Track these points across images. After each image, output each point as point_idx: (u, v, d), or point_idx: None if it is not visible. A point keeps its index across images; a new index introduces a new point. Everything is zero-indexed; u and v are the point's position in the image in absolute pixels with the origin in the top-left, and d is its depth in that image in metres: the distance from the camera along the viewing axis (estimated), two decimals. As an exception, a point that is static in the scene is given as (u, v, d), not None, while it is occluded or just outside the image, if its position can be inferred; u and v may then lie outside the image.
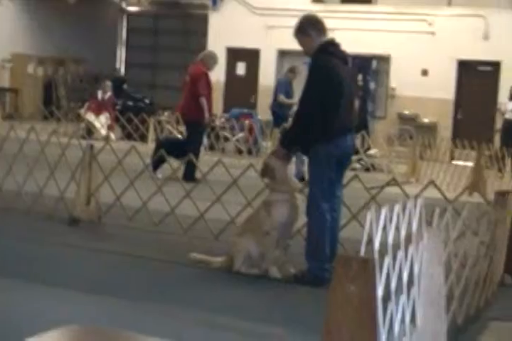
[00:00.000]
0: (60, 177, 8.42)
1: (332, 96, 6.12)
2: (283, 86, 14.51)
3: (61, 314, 4.85)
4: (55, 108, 19.47)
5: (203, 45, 21.76)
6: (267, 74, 21.71)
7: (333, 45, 6.44)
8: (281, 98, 14.31)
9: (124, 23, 28.05)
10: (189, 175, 10.97)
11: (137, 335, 2.48)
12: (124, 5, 27.73)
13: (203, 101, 11.71)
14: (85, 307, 5.18)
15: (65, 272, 6.13)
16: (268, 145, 16.16)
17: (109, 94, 19.41)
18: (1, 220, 7.96)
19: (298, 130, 6.28)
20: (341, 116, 6.21)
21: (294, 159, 10.43)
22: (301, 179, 11.40)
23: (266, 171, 6.45)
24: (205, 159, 13.25)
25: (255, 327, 5.01)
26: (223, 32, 21.97)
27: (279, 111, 14.61)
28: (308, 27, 6.42)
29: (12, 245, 6.86)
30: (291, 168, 8.07)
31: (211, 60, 12.07)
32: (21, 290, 5.47)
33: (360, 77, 19.96)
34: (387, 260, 3.13)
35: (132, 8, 27.82)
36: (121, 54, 27.81)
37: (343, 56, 6.43)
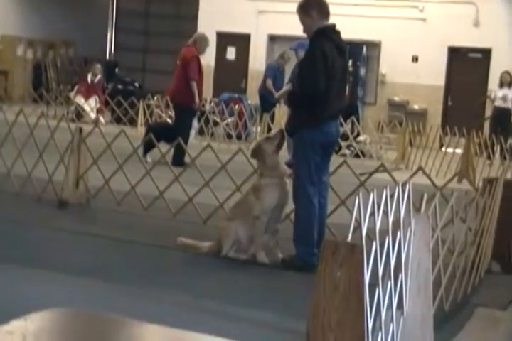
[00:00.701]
0: (48, 160, 8.39)
1: (323, 80, 6.10)
2: (272, 71, 14.49)
3: (47, 297, 4.85)
4: (45, 91, 19.38)
5: (193, 29, 21.65)
6: (258, 59, 21.64)
7: (333, 31, 6.41)
8: (269, 83, 14.31)
9: (115, 6, 27.89)
10: (178, 159, 10.96)
11: (124, 319, 2.48)
12: (114, -12, 27.56)
13: (194, 85, 11.68)
14: (72, 290, 5.18)
15: (52, 255, 6.12)
16: (258, 130, 16.15)
17: (98, 77, 19.32)
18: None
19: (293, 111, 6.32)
20: (330, 103, 6.20)
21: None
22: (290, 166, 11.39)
23: (257, 153, 6.45)
24: (195, 143, 13.23)
25: (242, 311, 5.02)
26: (214, 16, 21.85)
27: (267, 95, 14.60)
28: (312, 7, 6.35)
29: (0, 227, 6.84)
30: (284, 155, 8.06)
31: (203, 41, 12.03)
32: (8, 272, 5.46)
33: (350, 62, 19.92)
34: (375, 245, 3.14)
35: (123, -9, 27.65)
36: (111, 37, 27.66)
37: (340, 45, 6.35)
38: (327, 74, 6.12)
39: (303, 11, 6.38)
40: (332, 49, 6.23)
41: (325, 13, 6.38)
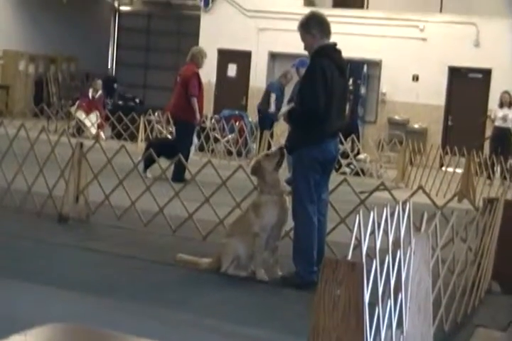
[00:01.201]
0: (49, 175, 8.39)
1: (323, 97, 6.11)
2: (275, 88, 14.50)
3: (46, 312, 4.83)
4: (46, 105, 19.42)
5: (194, 46, 21.71)
6: (258, 76, 21.71)
7: (334, 49, 6.43)
8: (273, 97, 14.31)
9: (117, 22, 28.02)
10: (178, 175, 10.96)
11: (122, 335, 2.47)
12: (116, 4, 27.69)
13: (195, 101, 11.75)
14: (71, 305, 5.16)
15: (51, 270, 6.11)
16: (258, 147, 16.16)
17: (99, 92, 19.38)
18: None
19: (293, 129, 6.32)
20: (330, 121, 6.22)
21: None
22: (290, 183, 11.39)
23: (257, 170, 6.45)
24: (195, 160, 13.25)
25: (241, 329, 5.00)
26: (215, 33, 21.95)
27: (266, 113, 14.59)
28: (314, 25, 6.36)
29: (1, 242, 6.84)
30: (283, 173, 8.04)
31: (199, 55, 12.10)
32: (7, 287, 5.44)
33: (350, 81, 19.98)
34: (375, 264, 3.13)
35: (125, 8, 27.79)
36: (112, 53, 27.76)
37: (341, 64, 6.36)
38: (327, 92, 6.13)
39: (304, 29, 6.40)
40: (332, 67, 6.24)
41: (326, 31, 6.40)
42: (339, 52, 6.42)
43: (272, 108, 14.40)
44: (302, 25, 6.42)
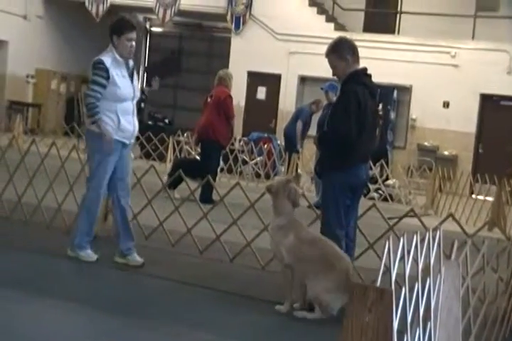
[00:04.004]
0: (78, 193, 8.43)
1: (355, 125, 6.09)
2: (304, 115, 14.47)
3: (70, 330, 4.83)
4: (76, 124, 19.60)
5: (224, 67, 21.87)
6: (288, 100, 21.77)
7: (365, 75, 6.41)
8: (299, 126, 14.26)
9: (148, 42, 28.27)
10: (206, 196, 10.97)
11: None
12: (148, 25, 27.97)
13: (234, 123, 12.14)
14: (86, 323, 5.16)
15: (72, 286, 6.12)
16: (285, 169, 16.16)
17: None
18: (18, 233, 7.98)
19: (324, 153, 6.28)
20: (361, 147, 6.19)
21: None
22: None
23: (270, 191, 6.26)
24: (223, 182, 13.26)
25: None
26: (245, 56, 22.08)
27: (294, 136, 14.56)
28: (346, 50, 6.32)
29: (27, 258, 6.88)
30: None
31: (227, 78, 12.24)
32: (21, 302, 5.45)
33: (380, 106, 19.98)
34: (404, 291, 3.10)
35: (156, 29, 28.05)
36: (143, 73, 27.99)
37: (373, 89, 6.36)
38: (360, 118, 6.11)
39: (336, 54, 6.34)
40: (365, 93, 6.22)
41: (358, 56, 6.39)
42: (370, 76, 6.41)
43: (297, 136, 14.33)
44: (334, 50, 6.36)
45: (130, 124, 6.86)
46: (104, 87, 6.73)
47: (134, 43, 6.89)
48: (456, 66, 20.17)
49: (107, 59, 6.81)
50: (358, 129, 6.07)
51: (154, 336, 5.02)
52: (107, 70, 6.74)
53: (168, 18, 23.22)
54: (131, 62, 7.06)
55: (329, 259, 5.75)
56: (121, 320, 5.30)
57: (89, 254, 6.95)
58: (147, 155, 17.57)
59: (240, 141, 18.24)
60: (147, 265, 6.94)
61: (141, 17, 27.24)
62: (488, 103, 20.02)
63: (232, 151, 16.85)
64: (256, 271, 7.30)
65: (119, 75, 6.79)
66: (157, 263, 7.29)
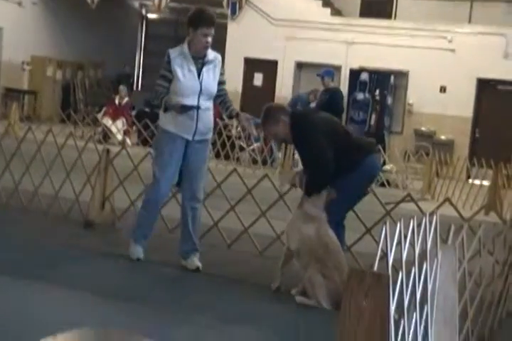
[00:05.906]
0: (75, 180, 8.44)
1: (328, 152, 6.03)
2: (303, 101, 14.45)
3: (74, 317, 4.85)
4: (73, 111, 19.56)
5: (221, 54, 21.81)
6: (285, 86, 21.72)
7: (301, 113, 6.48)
8: None
9: (144, 30, 28.19)
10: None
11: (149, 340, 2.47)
12: (144, 11, 27.87)
13: None
14: (94, 310, 5.18)
15: (76, 274, 6.13)
16: (282, 155, 16.17)
17: (126, 99, 19.48)
18: (17, 221, 7.99)
19: (318, 179, 6.10)
20: (350, 146, 6.16)
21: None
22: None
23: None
24: (220, 168, 13.26)
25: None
26: (241, 42, 21.99)
27: None
28: (278, 112, 6.24)
29: (29, 246, 6.88)
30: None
31: None
32: (31, 290, 5.47)
33: (377, 91, 19.94)
34: (401, 276, 3.10)
35: (152, 15, 27.95)
36: (139, 60, 27.92)
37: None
38: (329, 141, 6.03)
39: (271, 121, 6.24)
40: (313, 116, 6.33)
41: (285, 108, 6.39)
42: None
43: None
44: (268, 120, 6.24)
45: (192, 120, 6.44)
46: (167, 79, 6.49)
47: (210, 39, 6.53)
48: (452, 50, 20.12)
49: (173, 51, 6.57)
50: (330, 150, 5.99)
51: (160, 322, 5.04)
52: (169, 62, 6.51)
53: (164, 4, 23.13)
54: (210, 56, 6.69)
55: (331, 261, 5.82)
56: (126, 307, 5.32)
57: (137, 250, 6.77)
58: (144, 142, 17.54)
59: (236, 127, 18.21)
60: (145, 251, 6.93)
61: (136, 3, 27.12)
62: (485, 87, 20.00)
63: (229, 138, 16.84)
64: (254, 257, 7.32)
65: (184, 69, 6.48)
66: (155, 249, 7.30)
